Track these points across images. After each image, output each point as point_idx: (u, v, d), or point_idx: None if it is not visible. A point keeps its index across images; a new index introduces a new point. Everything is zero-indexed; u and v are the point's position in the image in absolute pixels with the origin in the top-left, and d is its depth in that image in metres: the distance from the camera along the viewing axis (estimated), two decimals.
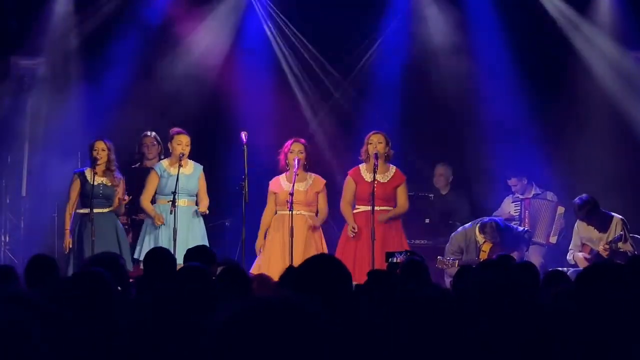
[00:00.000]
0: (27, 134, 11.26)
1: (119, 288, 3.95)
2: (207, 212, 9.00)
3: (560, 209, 10.49)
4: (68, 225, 8.92)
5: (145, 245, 8.83)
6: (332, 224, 9.87)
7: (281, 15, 11.43)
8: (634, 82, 10.98)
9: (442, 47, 11.32)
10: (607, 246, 9.44)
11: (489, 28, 11.18)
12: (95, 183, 8.79)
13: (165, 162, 9.13)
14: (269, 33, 11.52)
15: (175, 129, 9.13)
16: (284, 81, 11.53)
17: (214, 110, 11.26)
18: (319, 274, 3.33)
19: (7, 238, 10.89)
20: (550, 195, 10.67)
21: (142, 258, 8.65)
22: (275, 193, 9.03)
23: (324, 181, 9.12)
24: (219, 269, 5.19)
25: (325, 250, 8.92)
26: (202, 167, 9.16)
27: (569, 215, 10.17)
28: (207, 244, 8.61)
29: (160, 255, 5.63)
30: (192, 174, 9.05)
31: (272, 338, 1.94)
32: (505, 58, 11.10)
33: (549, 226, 10.46)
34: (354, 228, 8.76)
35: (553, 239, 10.44)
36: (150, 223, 9.00)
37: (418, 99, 11.30)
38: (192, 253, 5.92)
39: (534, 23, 11.16)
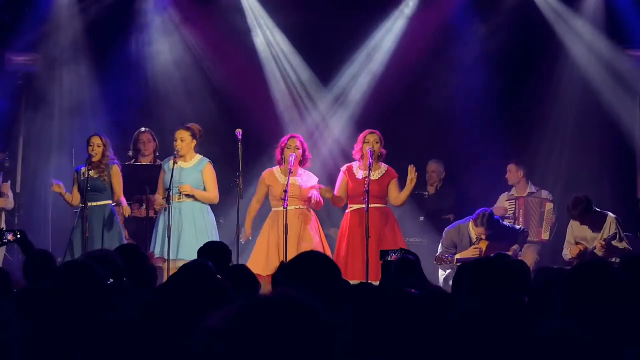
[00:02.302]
0: (22, 130, 11.26)
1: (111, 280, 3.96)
2: (186, 191, 8.76)
3: (549, 205, 10.52)
4: (65, 194, 9.00)
5: (158, 241, 8.84)
6: (329, 223, 9.88)
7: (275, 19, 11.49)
8: (621, 79, 10.99)
9: (426, 46, 11.39)
10: (604, 243, 9.47)
11: (473, 23, 11.23)
12: (85, 177, 8.83)
13: (172, 158, 9.08)
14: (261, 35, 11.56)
15: (185, 125, 9.14)
16: (282, 80, 11.55)
17: (210, 107, 11.26)
18: (307, 270, 3.34)
19: None
20: (545, 193, 10.68)
21: (155, 252, 8.75)
22: (269, 185, 9.02)
23: (317, 178, 9.13)
24: None
25: (325, 242, 8.94)
26: (207, 160, 9.03)
27: (562, 211, 10.20)
28: (209, 239, 8.55)
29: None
30: (190, 168, 8.97)
31: (275, 336, 1.96)
32: (490, 55, 11.15)
33: (539, 223, 10.49)
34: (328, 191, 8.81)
35: (545, 236, 10.46)
36: (158, 219, 8.98)
37: (407, 96, 11.34)
38: (206, 249, 5.86)
39: (521, 15, 11.19)
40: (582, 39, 11.13)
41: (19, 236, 6.40)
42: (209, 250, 5.82)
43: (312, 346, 1.95)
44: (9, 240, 6.44)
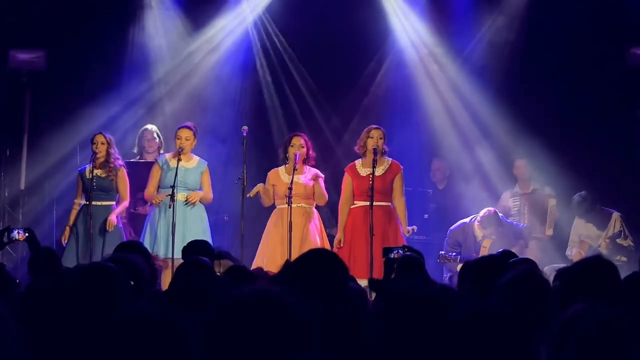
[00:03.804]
0: (26, 127, 11.26)
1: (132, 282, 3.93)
2: (195, 201, 8.89)
3: (552, 201, 10.51)
4: (70, 221, 9.00)
5: (146, 239, 8.85)
6: (334, 222, 9.88)
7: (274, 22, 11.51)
8: (625, 76, 10.98)
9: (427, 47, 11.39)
10: (608, 241, 9.47)
11: (475, 19, 11.24)
12: (91, 176, 8.82)
13: (168, 155, 9.15)
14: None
15: (185, 124, 9.15)
16: (284, 77, 11.55)
17: (214, 104, 11.26)
18: (314, 267, 3.34)
19: None
20: (548, 189, 10.68)
21: (160, 255, 8.74)
22: (273, 185, 9.04)
23: (322, 176, 9.13)
24: (220, 264, 5.21)
25: (326, 241, 8.95)
26: (206, 163, 9.15)
27: (567, 208, 10.19)
28: (208, 238, 8.60)
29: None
30: (193, 168, 9.03)
31: (253, 331, 2.00)
32: (492, 53, 11.14)
33: (543, 219, 10.49)
34: (340, 241, 8.82)
35: (549, 232, 10.46)
36: (151, 216, 9.00)
37: (409, 94, 11.35)
38: (190, 248, 5.91)
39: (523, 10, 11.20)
40: (581, 37, 11.10)
41: (27, 235, 6.38)
42: (193, 248, 5.85)
43: (288, 341, 1.98)
44: (17, 240, 6.41)
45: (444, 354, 2.25)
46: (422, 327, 2.49)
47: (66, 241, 8.93)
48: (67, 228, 8.99)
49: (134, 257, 4.49)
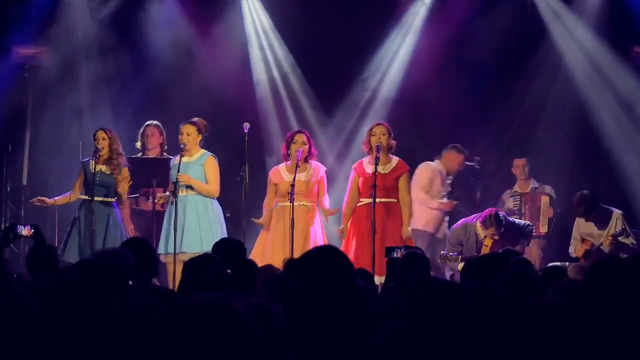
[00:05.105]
0: (28, 123, 11.27)
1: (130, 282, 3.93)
2: (183, 180, 8.71)
3: (544, 199, 10.53)
4: (56, 200, 9.11)
5: (163, 236, 8.85)
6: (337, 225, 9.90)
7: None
8: (606, 78, 10.96)
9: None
10: (611, 238, 9.46)
11: (476, 21, 11.24)
12: (95, 171, 8.80)
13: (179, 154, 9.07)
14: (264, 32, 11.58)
15: (190, 120, 9.12)
16: (284, 76, 11.57)
17: (215, 101, 11.26)
18: (317, 265, 3.33)
19: None
20: (548, 189, 10.67)
21: (160, 251, 8.70)
22: (275, 184, 9.02)
23: (324, 169, 9.13)
24: None
25: (326, 242, 8.94)
26: (210, 154, 8.99)
27: (569, 207, 10.18)
28: (212, 233, 8.56)
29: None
30: (194, 161, 8.95)
31: (199, 336, 2.07)
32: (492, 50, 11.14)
33: (537, 217, 10.48)
34: (343, 230, 8.84)
35: (543, 229, 10.47)
36: (165, 214, 8.99)
37: (411, 92, 11.35)
38: (221, 245, 5.86)
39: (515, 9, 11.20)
40: (581, 36, 11.08)
41: (33, 231, 6.34)
42: (223, 245, 5.82)
43: (238, 349, 2.01)
44: (22, 236, 6.38)
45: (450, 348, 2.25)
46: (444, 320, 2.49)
47: (37, 204, 9.06)
48: (51, 201, 9.05)
49: (122, 251, 4.51)
